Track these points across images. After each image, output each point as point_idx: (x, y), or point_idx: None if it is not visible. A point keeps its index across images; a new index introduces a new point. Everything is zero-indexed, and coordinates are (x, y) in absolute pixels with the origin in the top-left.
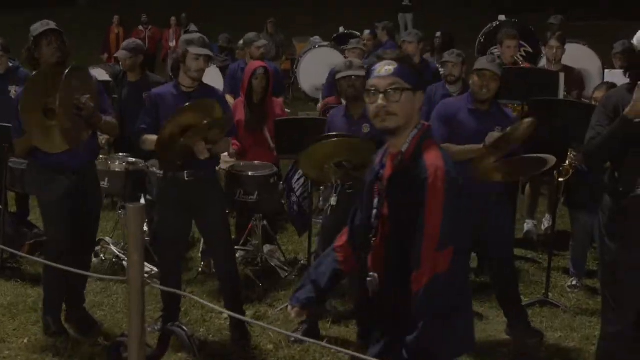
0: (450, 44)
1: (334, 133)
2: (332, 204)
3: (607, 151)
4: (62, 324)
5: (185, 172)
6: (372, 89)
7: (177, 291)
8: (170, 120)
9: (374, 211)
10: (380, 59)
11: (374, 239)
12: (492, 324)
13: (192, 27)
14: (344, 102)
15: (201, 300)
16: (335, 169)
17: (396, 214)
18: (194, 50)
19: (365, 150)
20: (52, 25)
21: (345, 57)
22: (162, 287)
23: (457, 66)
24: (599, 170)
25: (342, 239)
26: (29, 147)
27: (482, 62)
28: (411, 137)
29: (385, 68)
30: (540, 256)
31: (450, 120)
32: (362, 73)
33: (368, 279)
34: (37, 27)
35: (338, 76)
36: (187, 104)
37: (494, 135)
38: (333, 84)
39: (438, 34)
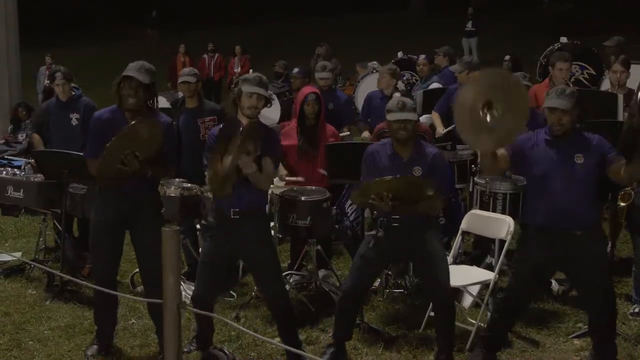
0: (517, 67)
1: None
2: (379, 234)
3: None
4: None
5: (232, 209)
6: None
7: (211, 314)
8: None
9: None
10: None
11: None
12: (548, 352)
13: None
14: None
15: (238, 327)
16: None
17: None
18: (246, 88)
19: (421, 188)
20: (131, 72)
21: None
22: (197, 310)
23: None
24: None
25: None
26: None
27: (551, 99)
28: None
29: None
30: None
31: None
32: (415, 117)
33: None
34: (129, 68)
35: (389, 117)
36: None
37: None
38: (369, 110)
39: (507, 57)
